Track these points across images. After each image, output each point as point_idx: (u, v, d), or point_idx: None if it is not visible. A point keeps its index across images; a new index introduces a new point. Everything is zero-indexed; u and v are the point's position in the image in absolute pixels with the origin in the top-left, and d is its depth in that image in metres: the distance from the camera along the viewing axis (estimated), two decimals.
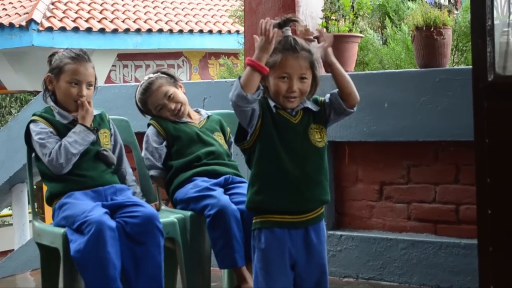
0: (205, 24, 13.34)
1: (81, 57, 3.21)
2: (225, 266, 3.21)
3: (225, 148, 3.54)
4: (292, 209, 2.61)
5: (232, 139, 2.55)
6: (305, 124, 2.66)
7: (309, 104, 2.69)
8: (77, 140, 3.11)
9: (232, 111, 2.65)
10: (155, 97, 3.51)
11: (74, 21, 11.73)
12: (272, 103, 2.63)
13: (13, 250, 6.19)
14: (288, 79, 2.60)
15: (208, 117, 3.62)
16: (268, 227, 2.61)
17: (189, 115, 3.58)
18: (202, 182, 3.33)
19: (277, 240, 2.60)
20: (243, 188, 3.31)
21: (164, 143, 3.48)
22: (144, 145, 3.52)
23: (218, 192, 3.26)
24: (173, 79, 3.58)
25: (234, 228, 3.13)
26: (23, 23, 11.21)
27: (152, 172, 3.49)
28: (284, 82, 2.60)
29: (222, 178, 3.37)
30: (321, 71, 2.70)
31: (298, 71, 2.60)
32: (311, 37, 2.67)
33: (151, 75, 3.57)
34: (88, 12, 12.32)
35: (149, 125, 3.54)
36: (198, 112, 3.67)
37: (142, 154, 3.52)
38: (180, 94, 3.55)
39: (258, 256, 2.62)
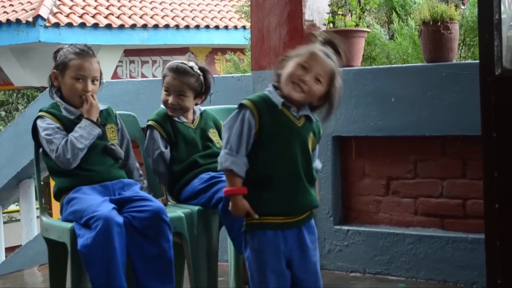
0: (212, 19, 13.33)
1: (85, 52, 3.21)
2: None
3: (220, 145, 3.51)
4: (286, 212, 2.60)
5: None
6: (306, 130, 2.65)
7: (310, 114, 2.67)
8: (82, 135, 3.11)
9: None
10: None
11: (80, 17, 11.73)
12: (279, 100, 2.60)
13: (20, 245, 6.21)
14: (306, 70, 2.57)
15: (201, 114, 3.54)
16: (261, 229, 2.59)
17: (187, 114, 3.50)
18: (207, 175, 3.34)
19: (270, 242, 2.58)
20: None
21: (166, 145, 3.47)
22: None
23: None
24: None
25: None
26: (30, 19, 11.22)
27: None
28: (302, 70, 2.57)
29: None
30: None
31: (318, 71, 2.58)
32: None
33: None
34: (95, 8, 12.32)
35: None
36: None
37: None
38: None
39: (252, 257, 2.61)
